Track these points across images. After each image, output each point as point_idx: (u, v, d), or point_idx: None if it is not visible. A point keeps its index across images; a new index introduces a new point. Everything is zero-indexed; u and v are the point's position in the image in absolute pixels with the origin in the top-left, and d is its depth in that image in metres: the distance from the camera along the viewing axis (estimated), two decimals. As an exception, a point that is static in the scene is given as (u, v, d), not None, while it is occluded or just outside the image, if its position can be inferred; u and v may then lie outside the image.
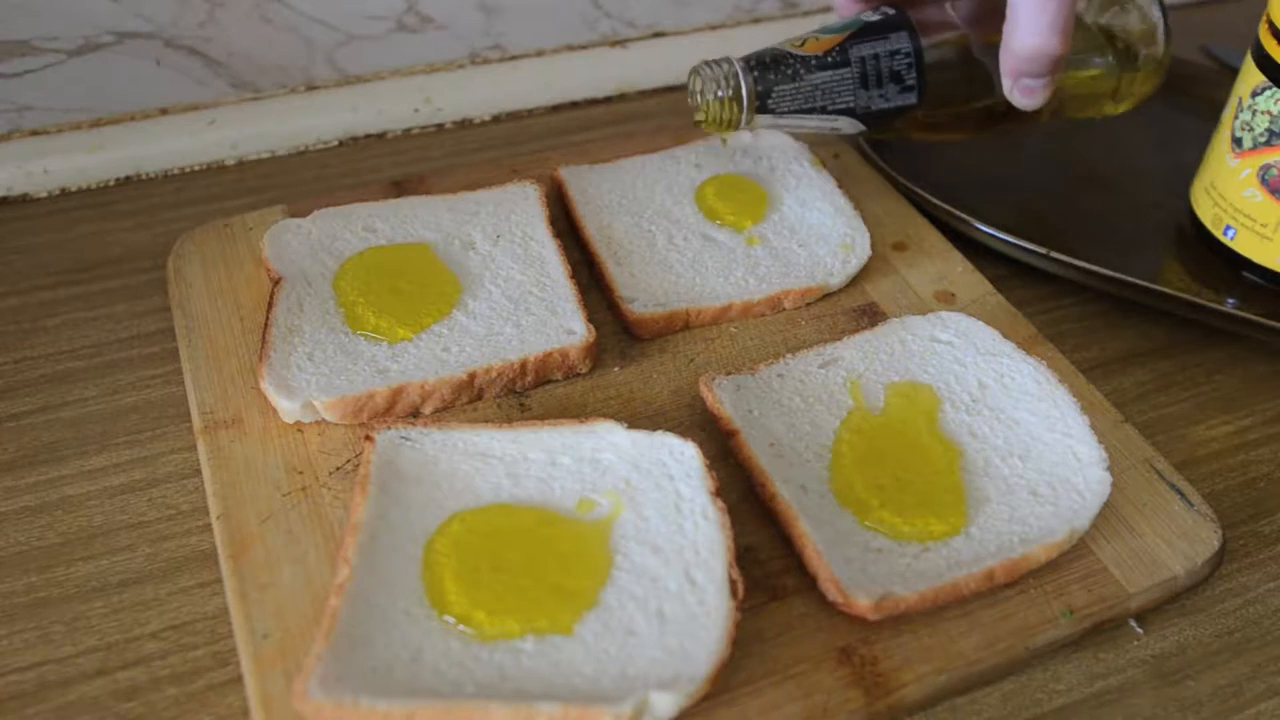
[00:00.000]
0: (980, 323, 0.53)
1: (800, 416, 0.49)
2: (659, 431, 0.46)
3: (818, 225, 0.60)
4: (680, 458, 0.46)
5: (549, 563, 0.42)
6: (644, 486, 0.45)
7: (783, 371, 0.51)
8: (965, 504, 0.45)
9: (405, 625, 0.40)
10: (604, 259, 0.57)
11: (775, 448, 0.47)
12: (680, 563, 0.42)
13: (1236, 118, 0.57)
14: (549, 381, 0.52)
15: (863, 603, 0.41)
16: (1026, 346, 0.53)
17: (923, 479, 0.46)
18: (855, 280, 0.58)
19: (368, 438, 0.46)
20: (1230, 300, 0.58)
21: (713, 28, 0.84)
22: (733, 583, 0.41)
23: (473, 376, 0.50)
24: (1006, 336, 0.52)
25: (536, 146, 0.72)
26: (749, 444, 0.47)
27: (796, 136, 0.66)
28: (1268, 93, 0.55)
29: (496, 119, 0.76)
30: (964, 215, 0.62)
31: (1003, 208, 0.67)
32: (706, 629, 0.39)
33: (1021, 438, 0.48)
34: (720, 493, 0.44)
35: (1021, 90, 0.52)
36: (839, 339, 0.53)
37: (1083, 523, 0.44)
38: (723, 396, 0.49)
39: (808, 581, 0.43)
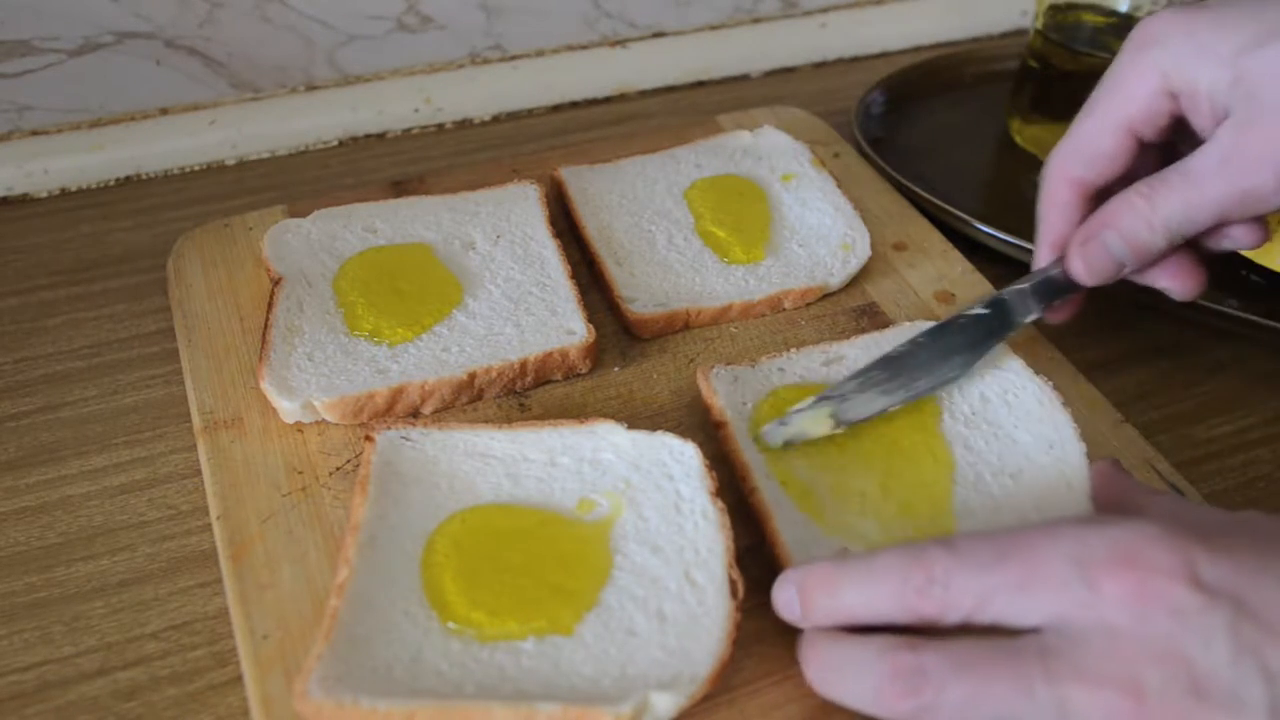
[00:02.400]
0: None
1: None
2: (659, 432, 0.46)
3: (818, 225, 0.60)
4: (680, 458, 0.46)
5: (549, 563, 0.42)
6: (644, 486, 0.45)
7: (784, 365, 0.51)
8: (951, 517, 0.44)
9: (405, 625, 0.40)
10: (604, 259, 0.57)
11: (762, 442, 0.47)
12: (680, 563, 0.42)
13: (1236, 118, 0.57)
14: (549, 381, 0.52)
15: None
16: (1026, 347, 0.53)
17: (908, 488, 0.45)
18: (855, 280, 0.58)
19: (368, 438, 0.46)
20: (1231, 301, 0.58)
21: (713, 28, 0.84)
22: (732, 583, 0.41)
23: (473, 376, 0.50)
24: (1014, 350, 0.52)
25: (536, 146, 0.72)
26: (735, 436, 0.47)
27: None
28: (1268, 93, 0.55)
29: (496, 119, 0.76)
30: (964, 215, 0.62)
31: (1003, 208, 0.67)
32: (706, 629, 0.39)
33: (1016, 457, 0.47)
34: (720, 493, 0.44)
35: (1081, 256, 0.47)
36: (843, 339, 0.53)
37: None
38: (718, 387, 0.49)
39: (808, 581, 0.43)
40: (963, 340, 0.49)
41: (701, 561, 0.42)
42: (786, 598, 0.39)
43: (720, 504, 0.44)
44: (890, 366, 0.49)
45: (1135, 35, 0.46)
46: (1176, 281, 0.47)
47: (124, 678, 0.42)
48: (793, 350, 0.52)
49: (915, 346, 0.49)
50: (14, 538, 0.47)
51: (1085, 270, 0.47)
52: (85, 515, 0.48)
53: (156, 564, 0.46)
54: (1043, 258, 0.50)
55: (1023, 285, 0.50)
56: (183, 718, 0.41)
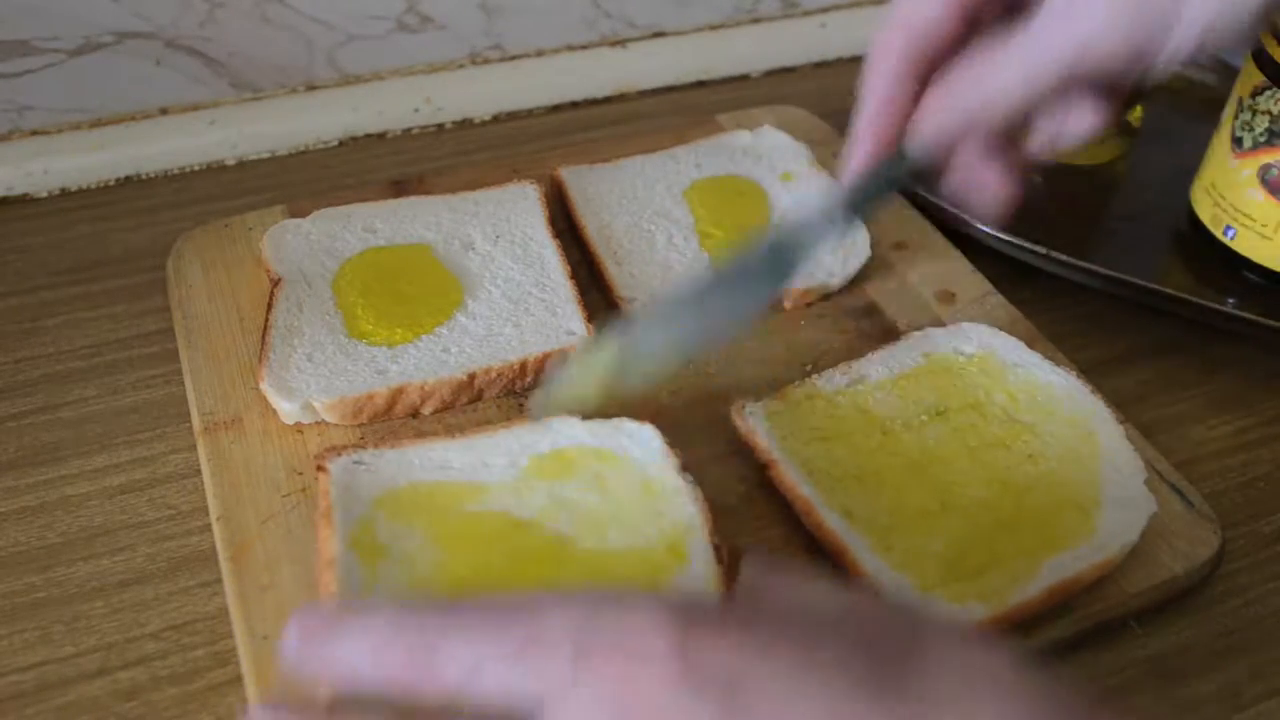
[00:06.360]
0: (1003, 333, 0.52)
1: (836, 443, 0.48)
2: (614, 418, 0.46)
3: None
4: (640, 440, 0.46)
5: (531, 569, 0.41)
6: (610, 474, 0.45)
7: (810, 392, 0.50)
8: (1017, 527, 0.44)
9: None
10: (604, 259, 0.57)
11: (813, 475, 0.46)
12: (662, 541, 0.42)
13: (1236, 118, 0.57)
14: (549, 382, 0.53)
15: None
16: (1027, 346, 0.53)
17: (962, 498, 0.45)
18: (855, 280, 0.58)
19: (320, 469, 0.44)
20: (1230, 300, 0.58)
21: (713, 27, 0.84)
22: (716, 549, 0.41)
23: (472, 377, 0.50)
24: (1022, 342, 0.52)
25: (536, 146, 0.72)
26: (786, 474, 0.46)
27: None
28: (1268, 93, 0.55)
29: (496, 119, 0.76)
30: (964, 215, 0.62)
31: (1003, 208, 0.67)
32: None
33: (1058, 452, 0.47)
34: (687, 466, 0.44)
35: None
36: (861, 355, 0.52)
37: (1133, 536, 0.44)
38: (755, 425, 0.48)
39: (807, 582, 0.43)
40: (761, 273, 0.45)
41: (682, 536, 0.42)
42: (287, 638, 0.32)
43: (689, 476, 0.44)
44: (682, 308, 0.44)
45: None
46: (989, 187, 0.43)
47: (124, 678, 0.42)
48: (814, 375, 0.51)
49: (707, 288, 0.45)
50: (14, 538, 0.47)
51: (922, 135, 0.41)
52: (85, 515, 0.48)
53: (156, 564, 0.46)
54: (863, 141, 0.42)
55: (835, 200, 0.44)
56: (183, 718, 0.41)
